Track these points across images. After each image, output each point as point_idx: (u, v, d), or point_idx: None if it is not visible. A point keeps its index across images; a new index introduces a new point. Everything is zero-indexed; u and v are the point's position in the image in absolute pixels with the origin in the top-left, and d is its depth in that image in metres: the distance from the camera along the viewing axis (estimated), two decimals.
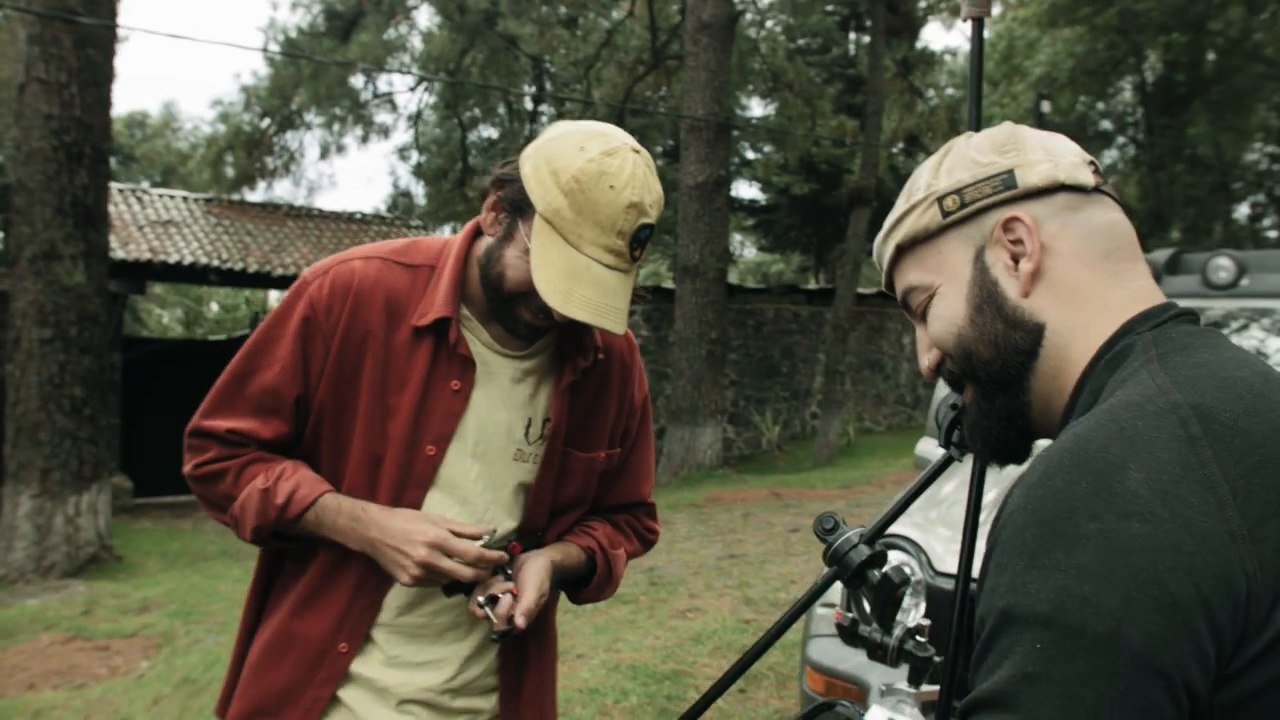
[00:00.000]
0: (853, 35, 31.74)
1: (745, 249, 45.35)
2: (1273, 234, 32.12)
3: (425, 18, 24.50)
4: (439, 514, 1.86)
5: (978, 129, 1.71)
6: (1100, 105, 30.60)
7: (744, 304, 19.94)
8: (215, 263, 15.88)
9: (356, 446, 1.86)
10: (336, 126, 24.46)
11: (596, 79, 22.82)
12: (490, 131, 29.65)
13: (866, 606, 1.76)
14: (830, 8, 27.47)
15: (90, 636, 7.33)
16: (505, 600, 1.80)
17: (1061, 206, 1.15)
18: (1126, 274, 1.14)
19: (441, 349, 1.86)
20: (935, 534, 3.58)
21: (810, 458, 18.04)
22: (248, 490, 1.84)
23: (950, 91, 34.76)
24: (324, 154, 29.28)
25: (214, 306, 38.42)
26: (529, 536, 1.94)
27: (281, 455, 1.89)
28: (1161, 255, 4.97)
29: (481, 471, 1.89)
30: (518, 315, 1.82)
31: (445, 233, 25.32)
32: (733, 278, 24.12)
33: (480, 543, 1.79)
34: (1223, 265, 4.72)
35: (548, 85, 27.50)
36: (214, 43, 31.04)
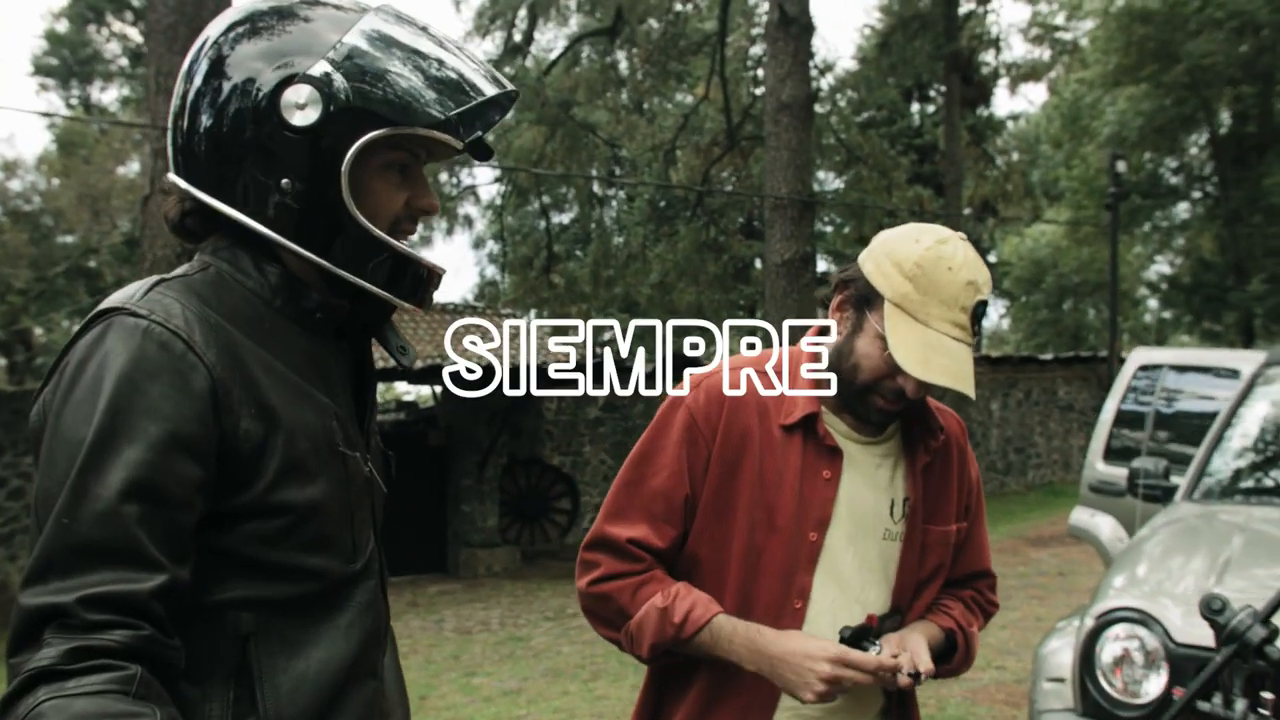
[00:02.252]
0: (916, 105, 32.01)
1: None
2: None
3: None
4: (822, 595, 2.02)
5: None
6: (1170, 161, 30.50)
7: None
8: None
9: (739, 540, 2.01)
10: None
11: (672, 161, 23.21)
12: (563, 218, 30.20)
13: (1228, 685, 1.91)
14: (894, 80, 27.74)
15: None
16: (905, 657, 1.94)
17: None
18: None
19: (810, 442, 2.03)
20: (1162, 605, 3.68)
21: None
22: (645, 609, 1.99)
23: (1016, 156, 34.89)
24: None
25: None
26: (894, 615, 2.07)
27: (671, 573, 2.06)
28: None
29: (856, 553, 2.04)
30: (870, 403, 2.00)
31: (533, 318, 25.87)
32: None
33: (875, 650, 1.93)
34: None
35: (618, 170, 28.01)
36: None
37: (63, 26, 31.42)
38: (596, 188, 27.76)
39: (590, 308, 24.08)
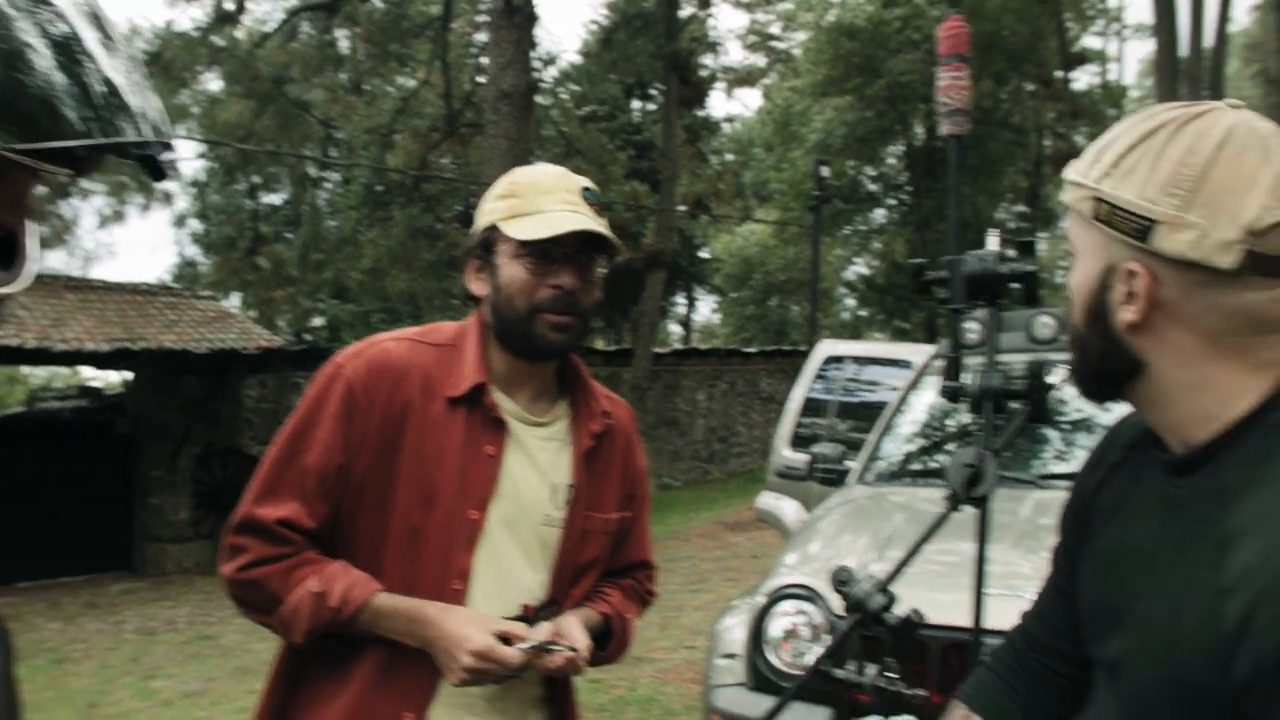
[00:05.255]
0: (637, 103, 32.62)
1: None
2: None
3: (213, 83, 23.84)
4: (483, 577, 1.96)
5: (959, 235, 2.00)
6: (870, 169, 32.36)
7: None
8: None
9: (398, 517, 1.93)
10: (115, 195, 23.52)
11: (390, 145, 22.73)
12: (275, 199, 29.06)
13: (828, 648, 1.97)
14: (616, 76, 28.17)
15: None
16: (558, 652, 1.91)
17: (1192, 282, 1.17)
18: (1252, 347, 1.18)
19: (475, 416, 1.97)
20: (828, 581, 3.83)
21: None
22: (299, 593, 1.88)
23: (730, 157, 36.15)
24: (102, 223, 28.05)
25: None
26: (550, 605, 2.03)
27: (326, 553, 1.95)
28: (982, 313, 5.47)
29: (515, 536, 1.99)
30: (540, 325, 1.96)
31: (236, 300, 24.71)
32: None
33: (524, 645, 1.88)
34: (1045, 322, 5.29)
35: (332, 151, 27.19)
36: None
37: None
38: (310, 168, 26.84)
39: (297, 292, 23.26)
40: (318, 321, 27.18)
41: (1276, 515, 1.09)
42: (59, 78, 1.14)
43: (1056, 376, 1.88)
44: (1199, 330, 1.19)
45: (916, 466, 5.14)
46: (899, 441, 5.31)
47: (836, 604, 3.65)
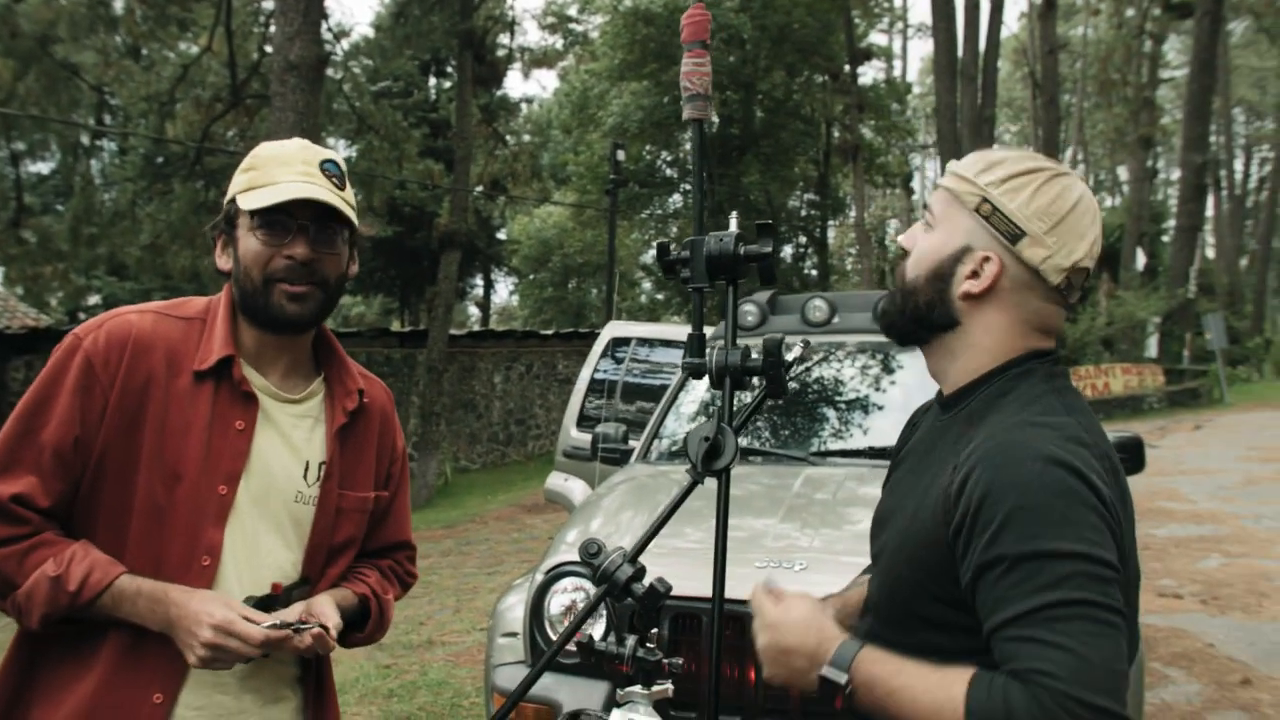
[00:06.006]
0: (433, 80, 32.16)
1: None
2: (813, 273, 35.64)
3: None
4: (232, 554, 1.93)
5: (701, 217, 2.06)
6: (666, 154, 32.78)
7: None
8: None
9: (140, 495, 1.89)
10: None
11: (170, 115, 21.73)
12: (43, 167, 27.46)
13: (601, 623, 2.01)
14: (411, 52, 27.67)
15: None
16: (307, 629, 1.89)
17: (1025, 283, 1.66)
18: (1033, 338, 1.70)
19: (223, 390, 1.95)
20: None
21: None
22: (35, 577, 1.82)
23: (527, 138, 36.04)
24: None
25: None
26: (302, 584, 2.01)
27: (65, 533, 1.88)
28: (763, 296, 5.64)
29: (266, 512, 1.98)
30: (277, 295, 1.96)
31: None
32: None
33: (268, 624, 1.85)
34: (818, 305, 5.49)
35: (107, 119, 25.84)
36: None
37: None
38: (83, 137, 25.42)
39: (69, 268, 22.01)
40: (94, 300, 25.84)
41: (1002, 421, 1.58)
42: None
43: (794, 353, 1.96)
44: (1010, 314, 1.68)
45: None
46: (682, 421, 5.41)
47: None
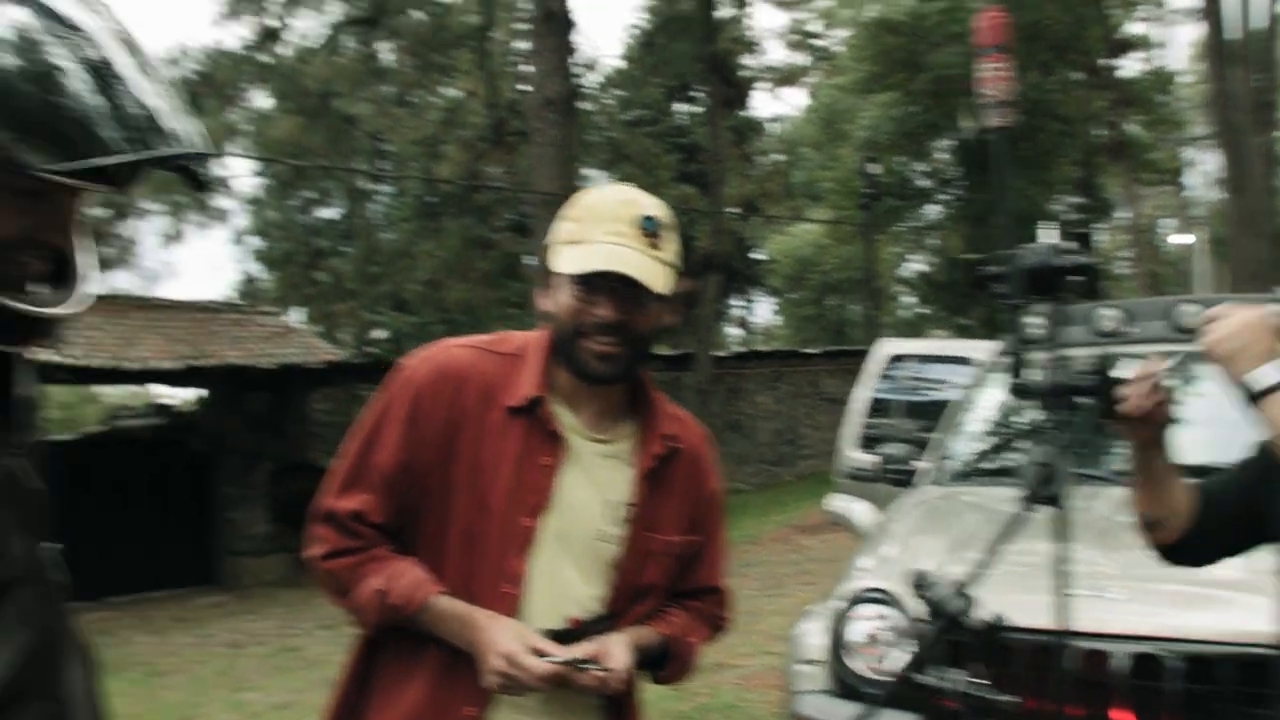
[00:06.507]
0: (682, 106, 32.54)
1: None
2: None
3: (261, 100, 24.17)
4: (535, 583, 2.00)
5: (1008, 230, 1.95)
6: (919, 164, 32.02)
7: None
8: (60, 360, 15.24)
9: (456, 520, 2.01)
10: (174, 214, 23.92)
11: (438, 156, 22.89)
12: (330, 213, 29.40)
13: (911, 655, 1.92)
14: (658, 80, 28.15)
15: None
16: (589, 671, 1.92)
17: None
18: None
19: (533, 428, 2.02)
20: (905, 583, 3.75)
21: None
22: (366, 588, 1.98)
23: (777, 157, 35.96)
24: (164, 242, 28.60)
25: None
26: (603, 620, 2.04)
27: (397, 548, 2.03)
28: (1047, 306, 5.36)
29: (568, 548, 2.03)
30: (584, 350, 1.99)
31: (298, 315, 24.97)
32: None
33: (554, 659, 1.90)
34: (1108, 315, 5.18)
35: (384, 164, 27.43)
36: None
37: None
38: (361, 182, 27.11)
39: (358, 305, 23.49)
40: (380, 334, 27.42)
41: None
42: (93, 99, 1.17)
43: (1123, 370, 1.84)
44: None
45: (987, 465, 5.06)
46: (967, 440, 5.23)
47: (914, 607, 3.59)
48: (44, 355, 1.43)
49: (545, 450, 2.02)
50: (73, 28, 1.19)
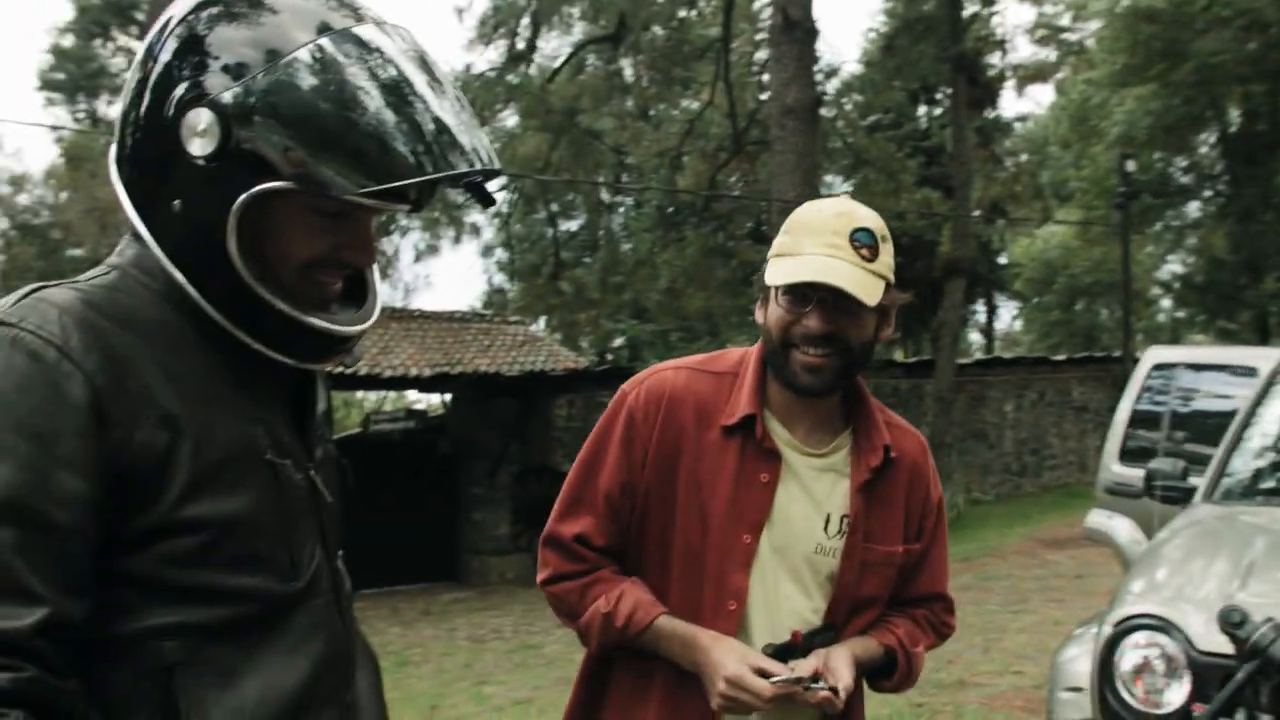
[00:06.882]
0: (923, 108, 31.89)
1: None
2: None
3: (510, 119, 25.16)
4: (757, 599, 2.02)
5: None
6: (1180, 160, 30.33)
7: None
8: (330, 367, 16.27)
9: (677, 540, 2.04)
10: (429, 230, 25.19)
11: (679, 167, 23.20)
12: (572, 225, 30.26)
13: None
14: (899, 83, 27.65)
15: None
16: (816, 690, 1.91)
17: None
18: None
19: (749, 445, 2.04)
20: (1183, 610, 3.53)
21: None
22: (592, 611, 2.03)
23: (1024, 157, 34.77)
24: (418, 256, 30.13)
25: None
26: (825, 631, 2.04)
27: (620, 569, 2.09)
28: None
29: (787, 563, 2.04)
30: (793, 362, 1.99)
31: (542, 324, 25.87)
32: None
33: (778, 679, 1.90)
34: None
35: (625, 177, 28.00)
36: None
37: (68, 41, 31.45)
38: (603, 194, 27.76)
39: (599, 314, 24.06)
40: (619, 342, 28.01)
41: None
42: (393, 120, 1.22)
43: None
44: None
45: (1271, 484, 4.72)
46: (1249, 456, 4.89)
47: (1199, 636, 3.39)
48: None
49: (762, 467, 2.04)
50: (372, 50, 1.25)
